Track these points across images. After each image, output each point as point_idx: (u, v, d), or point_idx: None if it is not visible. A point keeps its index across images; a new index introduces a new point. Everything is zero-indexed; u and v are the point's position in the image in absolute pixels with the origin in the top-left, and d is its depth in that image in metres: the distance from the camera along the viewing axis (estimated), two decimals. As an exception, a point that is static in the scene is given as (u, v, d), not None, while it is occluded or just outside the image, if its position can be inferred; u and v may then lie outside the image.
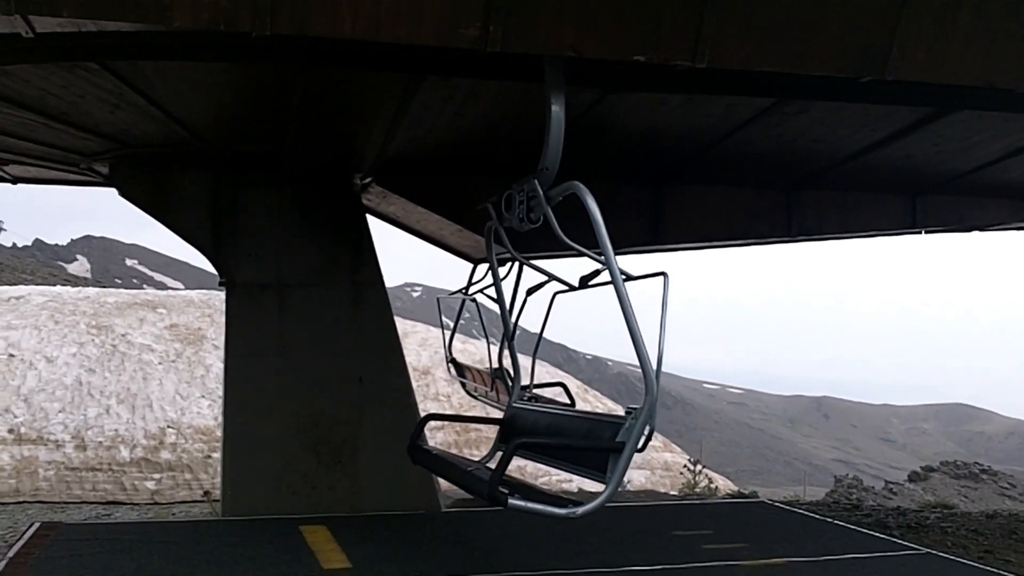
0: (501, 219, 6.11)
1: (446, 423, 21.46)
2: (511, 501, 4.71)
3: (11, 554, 8.15)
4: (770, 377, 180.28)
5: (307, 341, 10.28)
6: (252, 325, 10.27)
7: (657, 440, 25.74)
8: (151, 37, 5.89)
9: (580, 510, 4.79)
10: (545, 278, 7.06)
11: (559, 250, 11.00)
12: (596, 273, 5.93)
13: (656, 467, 24.17)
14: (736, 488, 23.18)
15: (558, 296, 7.95)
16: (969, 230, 11.96)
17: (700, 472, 19.90)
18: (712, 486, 19.51)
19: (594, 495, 4.94)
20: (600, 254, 5.21)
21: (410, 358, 24.16)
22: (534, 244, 10.45)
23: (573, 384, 25.86)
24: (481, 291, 11.64)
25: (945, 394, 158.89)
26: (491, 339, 11.86)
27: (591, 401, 25.31)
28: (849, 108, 7.86)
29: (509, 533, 9.60)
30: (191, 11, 4.75)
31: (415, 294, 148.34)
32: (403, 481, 10.29)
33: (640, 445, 4.96)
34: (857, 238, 11.81)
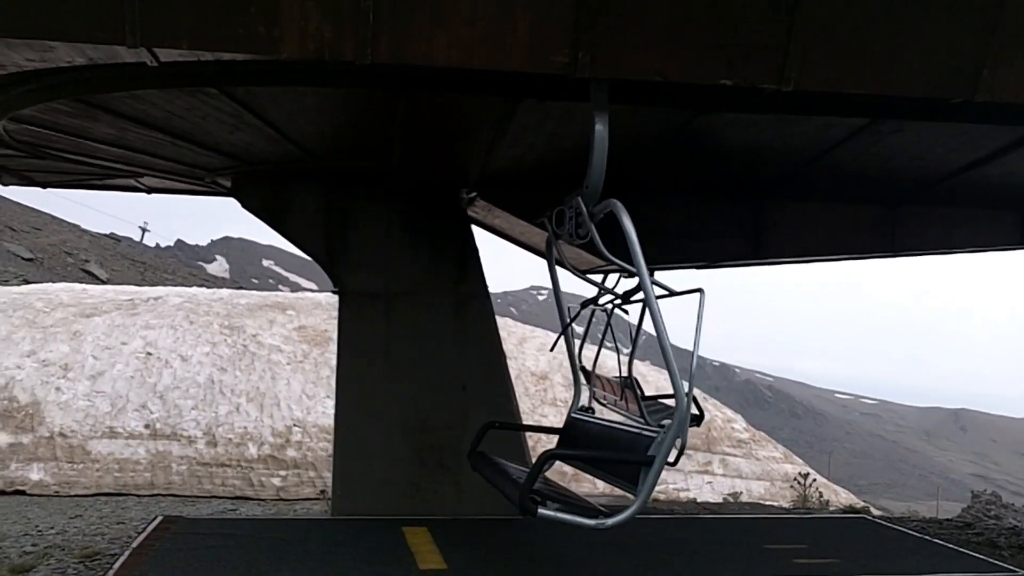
0: (556, 233, 6.29)
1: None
2: (541, 511, 4.87)
3: (134, 545, 8.76)
4: (905, 388, 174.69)
5: (413, 349, 10.64)
6: (361, 332, 10.68)
7: (777, 451, 25.36)
8: (263, 65, 6.31)
9: (609, 521, 4.93)
10: (597, 291, 7.16)
11: (665, 262, 11.18)
12: (638, 288, 6.05)
13: (776, 478, 23.83)
14: (862, 502, 22.66)
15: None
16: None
17: (811, 485, 19.55)
18: (824, 499, 19.14)
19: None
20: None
21: (528, 363, 24.55)
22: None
23: (694, 393, 25.57)
24: (611, 301, 11.81)
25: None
26: (621, 349, 11.99)
27: (710, 410, 25.01)
28: (945, 127, 7.80)
29: (603, 541, 9.75)
30: (298, 43, 5.19)
31: (540, 297, 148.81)
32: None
33: (672, 459, 5.07)
34: (964, 254, 11.58)
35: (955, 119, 6.95)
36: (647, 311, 5.38)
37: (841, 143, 8.38)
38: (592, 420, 6.88)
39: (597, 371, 11.70)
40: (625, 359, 12.01)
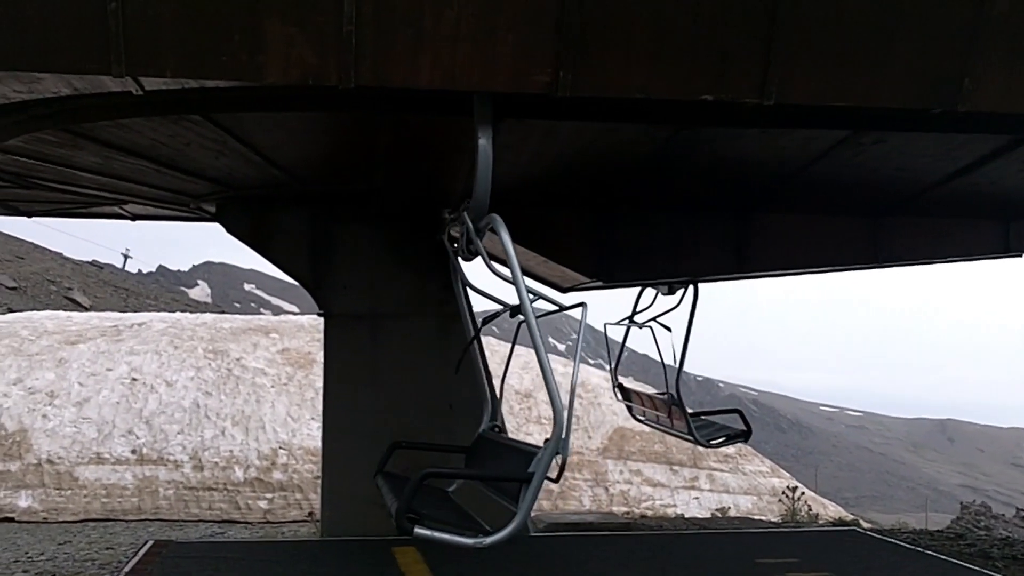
0: (454, 250, 6.26)
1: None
2: (417, 530, 4.85)
3: (126, 569, 8.75)
4: (891, 399, 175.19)
5: (399, 369, 10.64)
6: (347, 354, 10.68)
7: (764, 465, 25.40)
8: (247, 91, 6.37)
9: (488, 540, 4.91)
10: (499, 307, 7.06)
11: (652, 277, 11.24)
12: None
13: (763, 492, 23.86)
14: (850, 515, 22.70)
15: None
16: (1069, 254, 11.61)
17: (800, 498, 19.60)
18: (812, 513, 19.19)
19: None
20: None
21: (512, 381, 24.52)
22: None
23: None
24: (655, 319, 11.85)
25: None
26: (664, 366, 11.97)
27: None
28: (927, 137, 7.84)
29: (595, 557, 9.81)
30: (282, 69, 5.26)
31: (520, 316, 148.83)
32: (492, 506, 10.55)
33: (555, 475, 5.06)
34: (949, 263, 11.63)
35: (938, 129, 6.99)
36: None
37: (824, 155, 8.41)
38: (498, 439, 6.84)
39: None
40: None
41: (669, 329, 11.55)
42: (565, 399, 4.91)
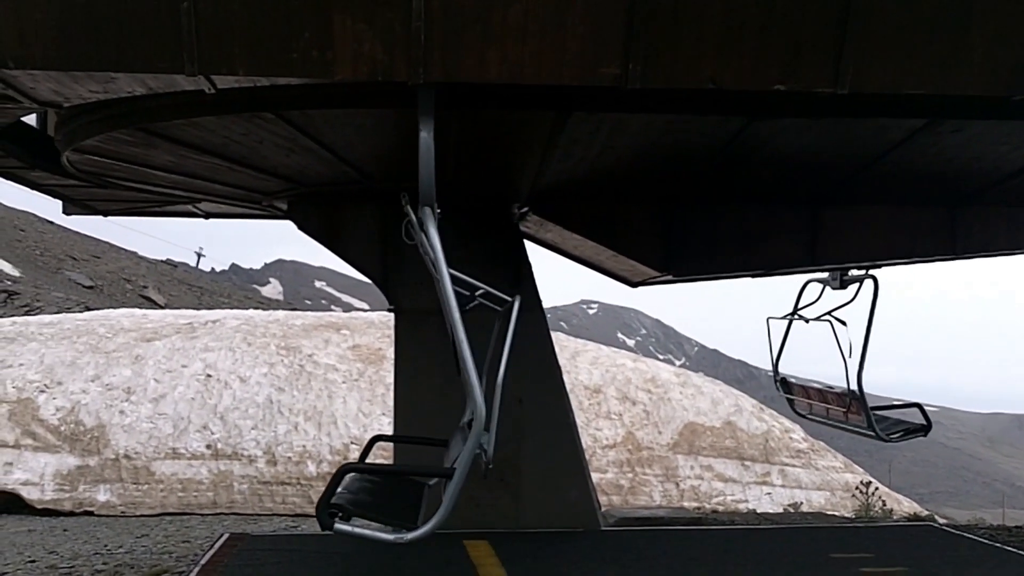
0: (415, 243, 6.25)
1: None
2: (336, 526, 4.82)
3: (203, 561, 8.90)
4: (966, 393, 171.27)
5: (470, 364, 10.65)
6: (418, 349, 10.68)
7: (837, 460, 24.98)
8: (318, 89, 6.45)
9: (408, 536, 4.88)
10: (475, 300, 7.00)
11: (725, 271, 11.12)
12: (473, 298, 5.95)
13: (836, 488, 23.50)
14: (925, 511, 22.25)
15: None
16: None
17: (874, 494, 19.23)
18: (886, 508, 18.81)
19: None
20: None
21: (581, 376, 24.46)
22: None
23: (749, 403, 25.37)
24: (828, 314, 11.73)
25: None
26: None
27: (767, 420, 24.78)
28: (1007, 125, 7.65)
29: (666, 552, 9.74)
30: (352, 65, 5.31)
31: (591, 311, 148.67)
32: (563, 499, 10.56)
33: (482, 471, 5.04)
34: (1031, 254, 11.33)
35: (1017, 117, 6.84)
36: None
37: (899, 145, 8.24)
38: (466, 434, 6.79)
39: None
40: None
41: (844, 323, 11.38)
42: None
